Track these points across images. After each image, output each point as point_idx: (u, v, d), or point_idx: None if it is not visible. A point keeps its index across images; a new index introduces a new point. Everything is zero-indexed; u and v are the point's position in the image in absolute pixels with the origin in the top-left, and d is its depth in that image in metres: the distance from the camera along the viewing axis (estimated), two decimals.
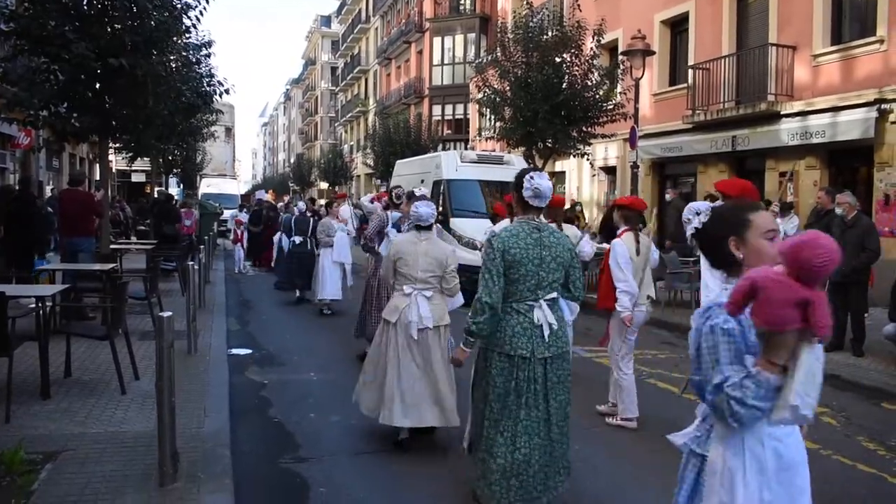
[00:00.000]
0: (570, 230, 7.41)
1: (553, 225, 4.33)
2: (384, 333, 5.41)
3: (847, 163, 14.46)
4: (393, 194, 8.37)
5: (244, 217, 19.98)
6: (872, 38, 13.21)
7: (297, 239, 13.52)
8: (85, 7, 9.87)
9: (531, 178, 4.04)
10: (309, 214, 14.15)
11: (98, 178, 16.03)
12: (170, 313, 4.36)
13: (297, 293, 13.46)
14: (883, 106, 12.77)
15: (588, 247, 7.44)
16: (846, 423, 6.47)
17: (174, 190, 29.86)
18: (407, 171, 17.71)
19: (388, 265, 5.54)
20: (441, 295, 5.46)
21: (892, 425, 6.40)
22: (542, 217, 4.17)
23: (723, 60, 16.67)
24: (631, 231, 6.17)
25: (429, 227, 5.54)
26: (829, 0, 14.40)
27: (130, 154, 19.53)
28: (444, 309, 5.42)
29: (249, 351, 9.04)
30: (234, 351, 8.86)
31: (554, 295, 4.05)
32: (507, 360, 3.91)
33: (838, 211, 9.05)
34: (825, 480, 4.98)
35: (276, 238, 15.69)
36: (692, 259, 12.71)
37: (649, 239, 6.47)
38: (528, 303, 3.94)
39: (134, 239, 19.17)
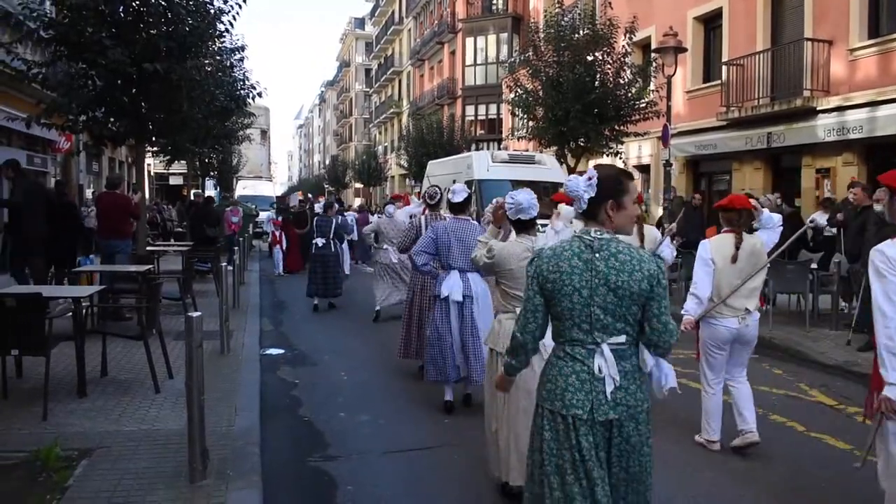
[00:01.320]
0: (650, 232, 6.97)
1: (623, 240, 2.95)
2: (497, 370, 4.08)
3: (886, 158, 14.13)
4: (426, 194, 7.91)
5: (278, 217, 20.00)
6: None
7: (320, 241, 12.70)
8: (121, 14, 10.07)
9: (588, 178, 2.91)
10: (331, 215, 13.32)
11: (135, 180, 16.34)
12: (199, 313, 4.44)
13: (316, 301, 12.58)
14: None
15: (669, 251, 7.07)
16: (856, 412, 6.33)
17: (211, 192, 30.23)
18: (439, 172, 17.76)
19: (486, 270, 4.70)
20: None
21: None
22: (610, 230, 2.89)
23: (757, 56, 16.47)
24: (732, 233, 5.42)
25: (531, 225, 4.55)
26: None
27: (167, 157, 19.87)
28: None
29: (282, 351, 9.15)
30: (267, 351, 8.98)
31: (622, 339, 2.83)
32: (560, 420, 2.86)
33: (878, 207, 8.87)
34: (857, 480, 4.91)
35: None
36: None
37: (756, 241, 5.53)
38: (585, 347, 2.84)
39: (171, 241, 19.48)
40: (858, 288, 9.52)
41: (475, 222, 6.67)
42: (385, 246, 11.18)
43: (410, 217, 9.15)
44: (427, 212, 7.75)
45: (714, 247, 5.40)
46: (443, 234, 6.37)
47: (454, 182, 15.02)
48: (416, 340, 7.40)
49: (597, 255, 2.81)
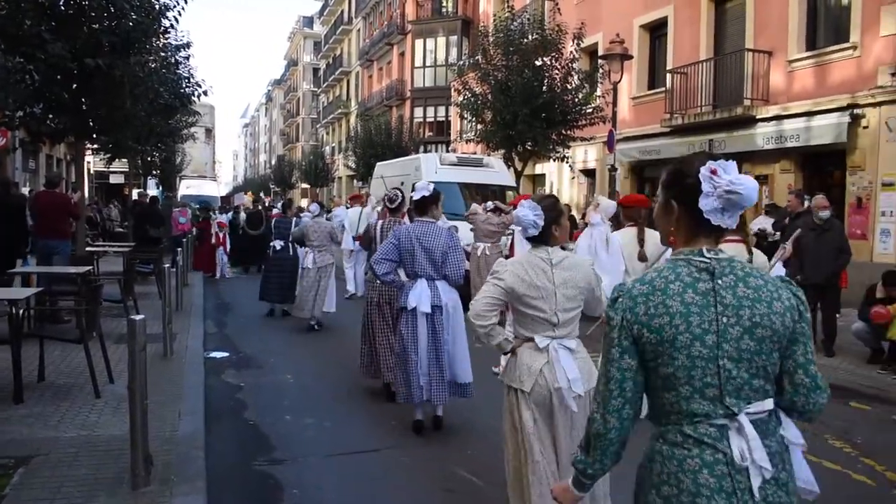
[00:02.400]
0: (650, 236, 5.86)
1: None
2: (514, 408, 3.60)
3: (821, 166, 14.66)
4: (386, 197, 7.28)
5: (225, 219, 19.46)
6: (846, 45, 13.41)
7: (279, 244, 11.89)
8: (62, 7, 9.81)
9: (714, 171, 1.99)
10: (291, 215, 12.72)
11: (74, 179, 15.94)
12: (142, 316, 4.36)
13: (271, 307, 11.95)
14: (855, 111, 12.97)
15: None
16: (819, 427, 6.58)
17: (153, 191, 29.59)
18: (387, 173, 17.72)
19: (488, 298, 3.64)
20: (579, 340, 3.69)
21: (857, 423, 6.52)
22: (720, 247, 2.03)
23: (700, 65, 16.85)
24: (636, 227, 5.59)
25: (542, 238, 3.67)
26: (805, 7, 14.60)
27: (108, 155, 19.40)
28: (590, 363, 3.61)
29: (226, 354, 9.02)
30: (211, 354, 8.84)
31: (766, 405, 1.93)
32: None
33: (824, 214, 9.16)
34: None
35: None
36: None
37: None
38: (714, 423, 1.90)
39: (110, 241, 19.03)
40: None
41: (442, 224, 6.03)
42: (306, 249, 10.83)
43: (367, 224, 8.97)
44: (387, 216, 7.27)
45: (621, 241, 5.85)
46: (406, 238, 5.78)
47: (402, 183, 15.16)
48: (371, 357, 6.99)
49: (719, 281, 1.93)
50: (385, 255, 5.81)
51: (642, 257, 5.86)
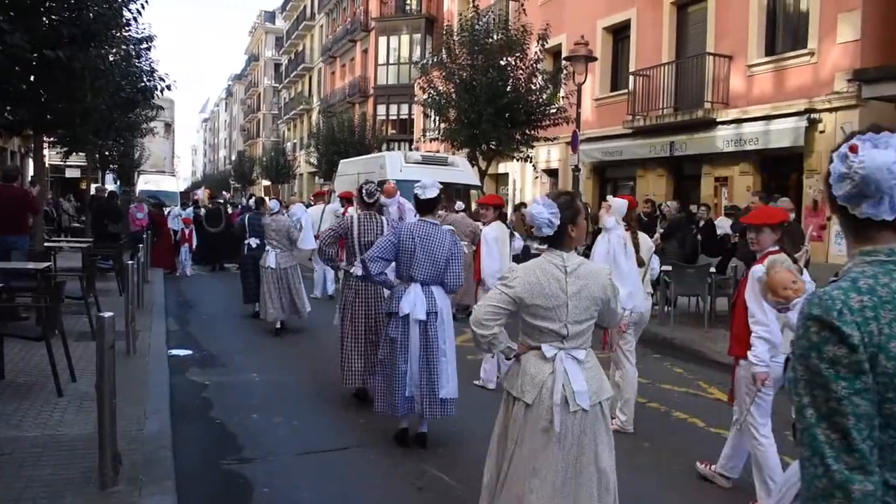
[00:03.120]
0: (644, 241, 6.18)
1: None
2: (511, 418, 3.38)
3: (778, 169, 14.99)
4: (364, 192, 6.82)
5: (189, 215, 19.00)
6: (803, 51, 13.74)
7: (254, 242, 11.28)
8: None
9: (853, 149, 1.65)
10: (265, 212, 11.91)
11: (32, 173, 15.60)
12: (111, 314, 4.30)
13: (257, 307, 11.05)
14: (812, 115, 13.31)
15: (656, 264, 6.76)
16: (774, 418, 6.73)
17: (111, 186, 29.09)
18: (351, 171, 17.66)
19: (492, 305, 3.33)
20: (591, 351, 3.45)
21: None
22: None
23: (662, 68, 17.11)
24: (779, 253, 4.28)
25: (557, 239, 3.36)
26: (764, 13, 14.92)
27: (65, 149, 19.01)
28: (601, 374, 3.41)
29: (190, 352, 8.91)
30: (174, 352, 8.71)
31: None
32: None
33: (791, 217, 9.42)
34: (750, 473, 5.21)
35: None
36: None
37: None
38: None
39: (67, 236, 18.65)
40: None
41: (446, 228, 5.71)
42: (267, 248, 10.21)
43: (336, 214, 8.80)
44: (359, 211, 6.86)
45: None
46: (407, 238, 5.32)
47: (366, 182, 15.11)
48: (362, 365, 6.46)
49: None
50: (381, 253, 5.33)
51: (640, 262, 5.77)
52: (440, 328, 5.37)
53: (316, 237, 12.66)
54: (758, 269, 4.24)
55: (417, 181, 5.80)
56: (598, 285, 3.33)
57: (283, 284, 9.98)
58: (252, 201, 13.22)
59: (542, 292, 3.24)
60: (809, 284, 4.20)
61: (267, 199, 12.26)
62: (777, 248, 4.51)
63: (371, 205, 6.78)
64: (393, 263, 5.49)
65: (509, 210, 18.63)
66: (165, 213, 18.31)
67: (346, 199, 12.58)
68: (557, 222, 3.28)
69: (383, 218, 6.77)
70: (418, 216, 5.62)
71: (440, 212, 10.84)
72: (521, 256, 11.65)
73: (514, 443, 3.29)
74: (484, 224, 7.92)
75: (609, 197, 6.43)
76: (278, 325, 10.04)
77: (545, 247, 3.53)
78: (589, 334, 3.38)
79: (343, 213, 11.91)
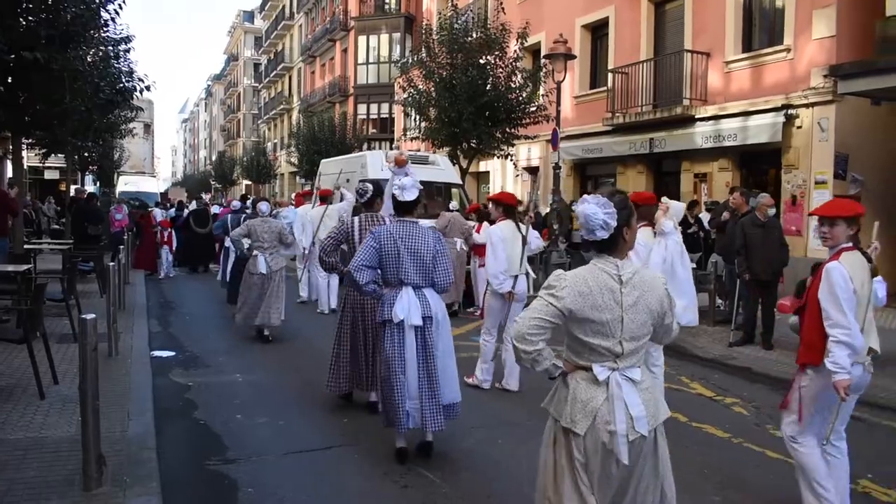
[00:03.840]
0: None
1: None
2: (558, 447, 3.01)
3: (757, 165, 15.16)
4: (357, 191, 6.61)
5: (167, 216, 18.83)
6: (780, 47, 13.89)
7: (247, 243, 10.69)
8: None
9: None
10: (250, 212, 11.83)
11: (10, 175, 15.45)
12: (93, 316, 4.29)
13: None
14: (789, 111, 13.47)
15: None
16: (756, 412, 6.83)
17: (90, 187, 28.84)
18: (332, 171, 17.62)
19: (537, 318, 2.93)
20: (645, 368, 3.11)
21: None
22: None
23: (641, 65, 17.22)
24: (854, 250, 4.11)
25: (609, 244, 2.97)
26: (741, 10, 15.06)
27: (44, 150, 18.83)
28: (657, 394, 3.08)
29: (172, 353, 8.88)
30: (157, 353, 8.69)
31: None
32: None
33: (771, 212, 9.54)
34: (735, 465, 5.29)
35: (227, 243, 13.01)
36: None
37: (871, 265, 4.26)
38: None
39: (46, 238, 18.50)
40: (734, 287, 10.18)
41: (425, 224, 5.38)
42: (255, 252, 9.55)
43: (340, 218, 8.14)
44: (362, 213, 6.47)
45: (848, 270, 4.02)
46: (387, 241, 5.05)
47: (347, 181, 15.10)
48: (358, 370, 6.25)
49: None
50: (365, 261, 5.02)
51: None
52: (437, 332, 5.15)
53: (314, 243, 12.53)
54: (834, 267, 3.97)
55: (376, 182, 5.82)
56: (654, 296, 2.97)
57: (268, 289, 9.41)
58: (248, 202, 12.53)
59: (595, 304, 2.87)
60: (879, 284, 4.19)
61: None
62: (851, 244, 4.13)
63: (368, 204, 6.39)
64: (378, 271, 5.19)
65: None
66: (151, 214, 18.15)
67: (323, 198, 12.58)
68: (614, 224, 2.90)
69: (386, 217, 6.19)
70: (396, 217, 5.36)
71: (445, 213, 10.90)
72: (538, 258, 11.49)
73: (563, 480, 2.93)
74: (492, 222, 7.63)
75: (664, 198, 5.89)
76: (267, 333, 9.52)
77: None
78: (644, 351, 3.02)
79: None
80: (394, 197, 5.27)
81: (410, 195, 5.22)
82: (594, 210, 2.91)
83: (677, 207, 5.71)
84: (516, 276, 7.06)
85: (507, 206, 7.43)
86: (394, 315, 5.01)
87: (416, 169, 14.84)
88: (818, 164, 13.10)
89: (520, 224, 7.35)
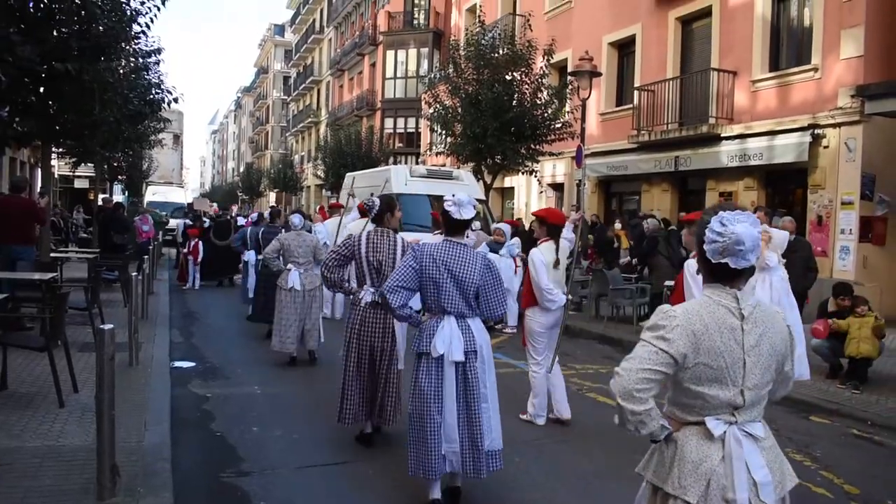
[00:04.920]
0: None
1: None
2: None
3: (783, 184, 15.01)
4: (365, 205, 6.31)
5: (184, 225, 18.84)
6: (807, 66, 13.78)
7: (253, 257, 10.86)
8: (31, 10, 9.71)
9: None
10: (280, 225, 11.58)
11: (40, 183, 15.72)
12: (111, 326, 4.34)
13: (269, 329, 10.13)
14: (816, 131, 13.35)
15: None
16: (775, 434, 6.70)
17: (119, 197, 29.27)
18: (357, 184, 17.69)
19: (645, 370, 2.36)
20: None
21: (817, 437, 6.67)
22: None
23: (667, 83, 17.16)
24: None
25: (742, 274, 2.43)
26: (768, 29, 14.98)
27: (74, 160, 19.18)
28: (781, 454, 2.62)
29: (192, 364, 8.95)
30: (177, 363, 8.76)
31: None
32: None
33: (791, 237, 9.47)
34: None
35: (246, 257, 13.24)
36: (634, 276, 13.03)
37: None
38: None
39: (74, 247, 18.76)
40: None
41: (481, 249, 5.07)
42: (289, 266, 8.96)
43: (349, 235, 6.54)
44: (370, 227, 6.06)
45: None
46: (429, 263, 4.48)
47: (371, 195, 15.14)
48: (361, 402, 5.85)
49: None
50: (402, 282, 4.47)
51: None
52: (480, 369, 4.53)
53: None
54: None
55: (422, 195, 5.53)
56: (778, 335, 2.45)
57: (304, 309, 8.87)
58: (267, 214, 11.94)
59: (713, 347, 2.35)
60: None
61: (285, 211, 11.88)
62: None
63: (377, 219, 5.94)
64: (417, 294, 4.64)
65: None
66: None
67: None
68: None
69: (398, 236, 5.92)
70: (445, 236, 4.75)
71: (480, 232, 10.22)
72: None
73: None
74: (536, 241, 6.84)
75: (765, 227, 5.02)
76: (294, 355, 8.94)
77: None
78: (765, 402, 2.51)
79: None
80: (447, 214, 4.68)
81: (468, 213, 4.68)
82: (750, 231, 2.34)
83: (780, 237, 4.91)
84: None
85: (553, 226, 6.66)
86: (433, 348, 4.46)
87: (439, 184, 15.02)
88: (845, 184, 12.94)
89: (571, 238, 6.97)
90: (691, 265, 4.74)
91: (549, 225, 6.64)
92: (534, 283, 6.49)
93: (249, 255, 10.83)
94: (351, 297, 6.06)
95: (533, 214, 7.33)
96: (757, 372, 2.39)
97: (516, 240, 11.80)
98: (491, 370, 4.67)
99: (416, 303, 4.69)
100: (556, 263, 6.53)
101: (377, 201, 5.96)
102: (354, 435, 6.01)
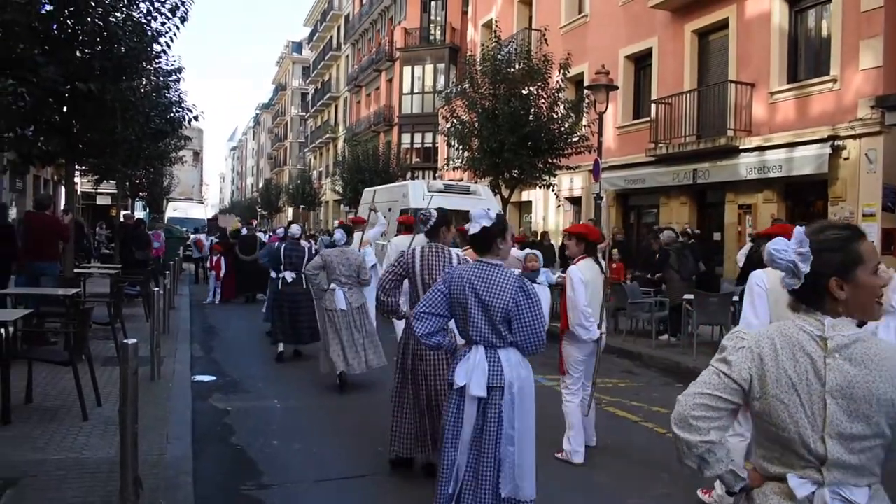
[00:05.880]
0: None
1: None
2: None
3: (803, 196, 14.91)
4: (419, 218, 5.76)
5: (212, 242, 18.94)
6: (826, 77, 13.72)
7: (289, 276, 10.26)
8: (55, 31, 9.90)
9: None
10: (305, 243, 11.40)
11: (63, 200, 15.95)
12: (134, 340, 4.39)
13: (282, 347, 10.28)
14: (836, 142, 13.26)
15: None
16: None
17: (140, 213, 29.57)
18: (378, 199, 17.81)
19: (704, 395, 2.10)
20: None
21: None
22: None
23: (684, 96, 17.13)
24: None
25: (811, 294, 2.09)
26: (786, 40, 14.93)
27: (96, 177, 19.44)
28: None
29: (213, 378, 9.04)
30: (198, 378, 8.85)
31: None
32: None
33: None
34: None
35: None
36: (653, 289, 12.98)
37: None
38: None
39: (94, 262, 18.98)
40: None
41: (513, 270, 4.25)
42: (332, 286, 8.41)
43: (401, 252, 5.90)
44: (424, 243, 5.53)
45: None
46: (458, 286, 4.04)
47: (389, 210, 15.24)
48: (420, 429, 5.41)
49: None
50: (430, 307, 4.07)
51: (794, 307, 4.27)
52: (507, 408, 3.96)
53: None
54: None
55: (440, 209, 5.28)
56: (888, 381, 1.93)
57: (354, 329, 8.28)
58: (293, 228, 11.34)
59: (782, 376, 2.00)
60: None
61: (295, 227, 11.30)
62: None
63: (431, 233, 5.47)
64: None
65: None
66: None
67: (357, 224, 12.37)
68: (805, 269, 2.04)
69: (452, 251, 5.49)
70: (469, 254, 4.24)
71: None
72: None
73: None
74: (571, 261, 6.32)
75: (882, 266, 4.04)
76: (357, 371, 8.32)
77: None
78: (873, 463, 1.98)
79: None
80: (467, 233, 4.27)
81: (477, 225, 4.15)
82: (782, 248, 2.09)
83: None
84: (599, 323, 6.09)
85: (591, 243, 6.22)
86: (454, 378, 4.06)
87: (456, 199, 15.08)
88: (866, 196, 12.84)
89: (601, 262, 6.32)
90: (756, 276, 4.44)
91: (588, 242, 6.19)
92: (569, 303, 6.00)
93: (286, 274, 10.32)
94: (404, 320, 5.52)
95: (568, 231, 6.96)
96: (843, 419, 1.92)
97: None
98: (526, 410, 4.02)
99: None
100: (607, 282, 6.10)
101: (434, 213, 5.48)
102: (390, 458, 5.64)
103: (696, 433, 2.04)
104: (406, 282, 5.39)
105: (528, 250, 8.72)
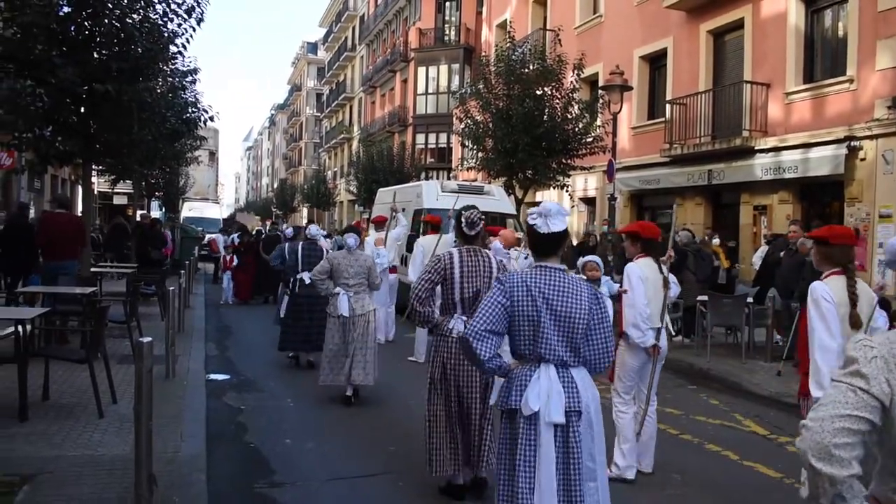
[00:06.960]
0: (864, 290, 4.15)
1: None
2: None
3: (819, 197, 14.82)
4: (465, 220, 5.16)
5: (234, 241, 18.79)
6: (842, 78, 13.62)
7: (307, 277, 9.27)
8: (72, 33, 10.01)
9: None
10: (324, 242, 10.96)
11: (81, 200, 16.10)
12: (149, 339, 4.44)
13: (292, 354, 9.99)
14: (852, 143, 13.15)
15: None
16: None
17: (156, 213, 29.78)
18: (389, 200, 17.82)
19: (842, 417, 1.68)
20: None
21: None
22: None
23: (699, 96, 17.06)
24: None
25: None
26: (802, 40, 14.85)
27: (113, 177, 19.58)
28: None
29: (227, 376, 9.10)
30: (212, 376, 8.91)
31: None
32: None
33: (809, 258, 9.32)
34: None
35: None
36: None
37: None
38: None
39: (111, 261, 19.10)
40: (791, 322, 9.95)
41: (581, 277, 3.88)
42: (337, 290, 7.81)
43: (435, 256, 5.50)
44: (462, 246, 5.17)
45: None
46: (524, 295, 3.41)
47: (403, 210, 15.25)
48: (453, 449, 5.00)
49: None
50: (490, 324, 3.39)
51: (856, 322, 3.90)
52: (585, 436, 3.40)
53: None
54: None
55: (471, 207, 4.99)
56: None
57: (352, 338, 7.64)
58: (311, 228, 10.80)
59: None
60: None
61: (313, 227, 10.93)
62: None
63: (474, 237, 5.13)
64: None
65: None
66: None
67: (380, 224, 12.51)
68: None
69: (490, 255, 5.19)
70: (532, 259, 3.66)
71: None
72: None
73: None
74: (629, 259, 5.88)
75: None
76: (349, 392, 7.75)
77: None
78: None
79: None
80: (533, 231, 3.54)
81: (556, 225, 3.49)
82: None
83: None
84: (658, 329, 5.54)
85: (648, 241, 5.71)
86: (524, 404, 3.37)
87: (470, 199, 15.05)
88: (883, 196, 12.74)
89: (662, 264, 5.73)
90: (818, 289, 4.03)
91: (643, 240, 5.68)
92: (626, 300, 5.56)
93: (304, 275, 9.61)
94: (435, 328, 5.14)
95: (622, 232, 6.63)
96: None
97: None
98: (600, 438, 3.50)
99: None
100: (665, 283, 5.60)
101: (480, 215, 5.17)
102: (440, 486, 5.16)
103: (840, 466, 1.64)
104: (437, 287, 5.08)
105: (589, 257, 8.24)
